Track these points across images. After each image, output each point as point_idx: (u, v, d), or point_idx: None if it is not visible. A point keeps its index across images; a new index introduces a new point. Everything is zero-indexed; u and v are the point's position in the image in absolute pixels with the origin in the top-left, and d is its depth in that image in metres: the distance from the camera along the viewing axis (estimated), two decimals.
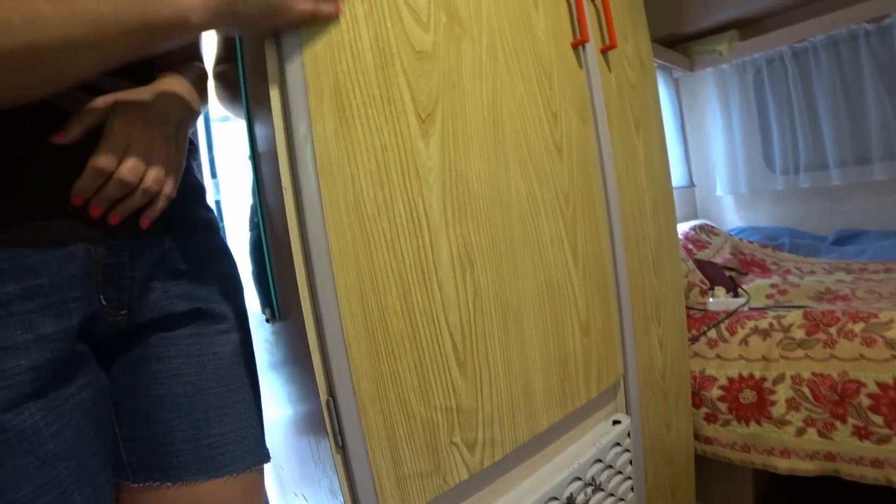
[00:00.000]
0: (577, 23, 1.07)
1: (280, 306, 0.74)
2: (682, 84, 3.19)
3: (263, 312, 0.78)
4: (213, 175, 1.27)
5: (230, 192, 1.24)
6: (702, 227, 2.46)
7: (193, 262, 0.65)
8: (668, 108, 3.04)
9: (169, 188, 0.58)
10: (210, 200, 0.73)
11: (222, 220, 1.23)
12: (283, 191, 0.64)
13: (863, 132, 2.57)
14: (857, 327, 1.38)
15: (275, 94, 0.64)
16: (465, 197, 0.80)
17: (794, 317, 1.51)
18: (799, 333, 1.47)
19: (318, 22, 0.66)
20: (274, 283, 0.74)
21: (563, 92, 1.02)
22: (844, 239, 2.64)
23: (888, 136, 2.49)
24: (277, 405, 0.83)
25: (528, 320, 0.89)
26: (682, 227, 2.41)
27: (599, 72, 1.12)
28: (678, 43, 2.91)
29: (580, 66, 1.07)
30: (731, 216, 3.11)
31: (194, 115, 0.65)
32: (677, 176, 3.08)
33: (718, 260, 2.23)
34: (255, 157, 0.71)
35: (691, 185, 3.20)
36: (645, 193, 1.25)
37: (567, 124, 1.01)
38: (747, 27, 2.80)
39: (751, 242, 2.56)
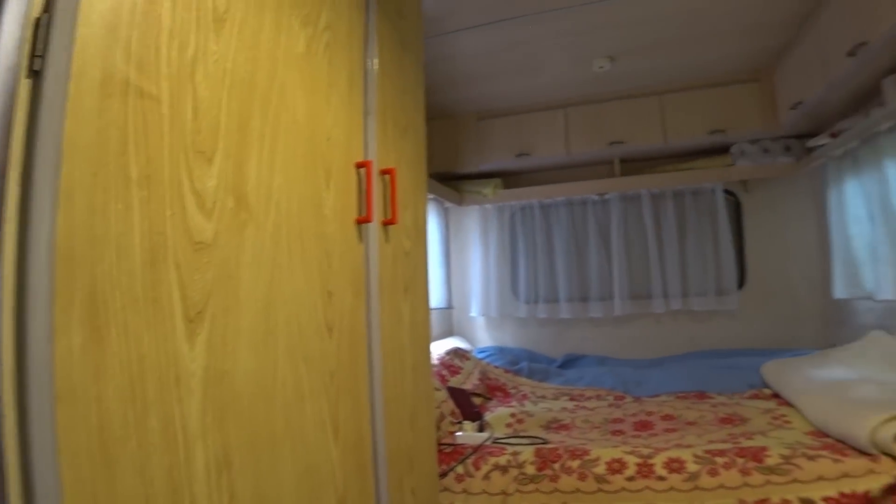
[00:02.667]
0: (365, 202, 1.14)
1: None
2: (451, 214, 3.62)
3: None
4: None
5: None
6: (455, 352, 2.70)
7: None
8: (436, 235, 3.42)
9: None
10: None
11: None
12: (3, 419, 0.54)
13: (585, 277, 3.27)
14: (575, 464, 1.66)
15: (8, 309, 0.54)
16: (229, 397, 0.77)
17: (528, 454, 1.74)
18: (531, 469, 1.68)
19: None
20: None
21: (342, 269, 1.07)
22: (569, 362, 3.22)
23: (602, 283, 3.22)
24: None
25: None
26: (438, 350, 2.63)
27: (378, 245, 1.20)
28: (452, 179, 3.35)
29: (360, 240, 1.14)
30: (483, 334, 3.53)
31: None
32: (439, 297, 3.42)
33: (469, 386, 2.46)
34: None
35: (450, 306, 3.57)
36: (406, 354, 1.34)
37: (341, 301, 1.06)
38: (510, 178, 3.38)
39: (496, 367, 2.89)
